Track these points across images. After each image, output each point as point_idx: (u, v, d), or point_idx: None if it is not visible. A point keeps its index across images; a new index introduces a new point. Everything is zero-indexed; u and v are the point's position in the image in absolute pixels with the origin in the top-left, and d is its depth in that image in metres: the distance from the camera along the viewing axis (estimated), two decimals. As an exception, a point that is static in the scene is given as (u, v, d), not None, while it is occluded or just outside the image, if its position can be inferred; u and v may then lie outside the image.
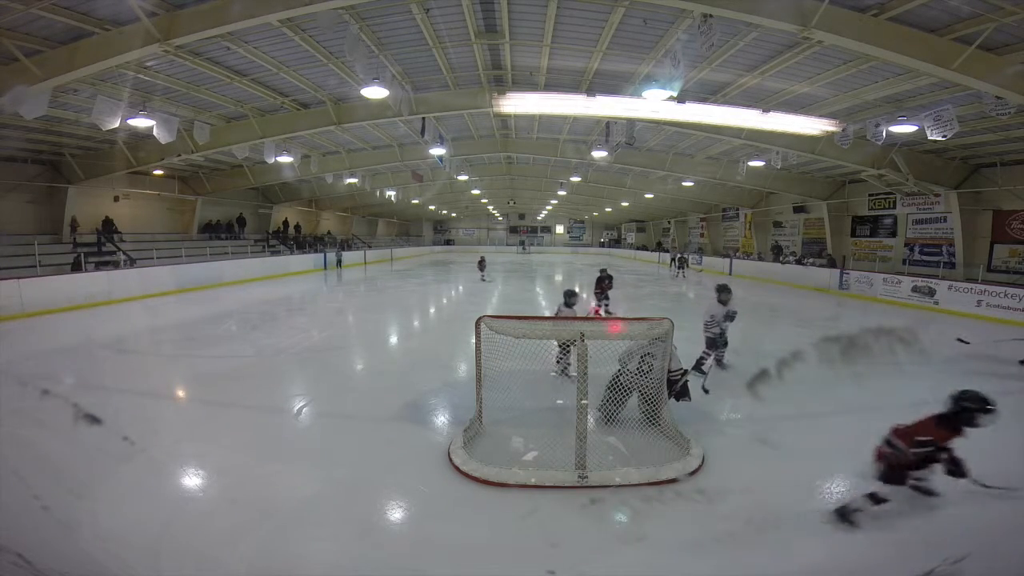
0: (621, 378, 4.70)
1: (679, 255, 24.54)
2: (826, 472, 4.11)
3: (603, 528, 3.33)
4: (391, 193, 24.36)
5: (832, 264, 18.63)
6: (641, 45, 9.06)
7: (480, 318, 4.45)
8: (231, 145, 13.28)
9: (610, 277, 12.42)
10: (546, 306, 13.48)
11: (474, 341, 4.49)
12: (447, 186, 26.13)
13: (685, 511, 3.49)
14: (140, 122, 10.16)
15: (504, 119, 15.08)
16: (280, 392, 6.11)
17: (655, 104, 9.24)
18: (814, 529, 3.29)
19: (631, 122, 11.59)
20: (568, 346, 5.91)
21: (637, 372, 4.57)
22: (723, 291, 6.55)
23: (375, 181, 23.04)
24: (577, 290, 7.22)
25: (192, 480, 3.91)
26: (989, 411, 2.99)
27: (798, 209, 21.89)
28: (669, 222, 36.11)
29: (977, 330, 10.59)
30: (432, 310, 13.59)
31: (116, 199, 17.52)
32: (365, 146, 17.78)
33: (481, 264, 20.89)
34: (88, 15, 7.39)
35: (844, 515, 3.30)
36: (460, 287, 18.69)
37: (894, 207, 17.27)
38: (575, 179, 22.08)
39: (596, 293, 11.76)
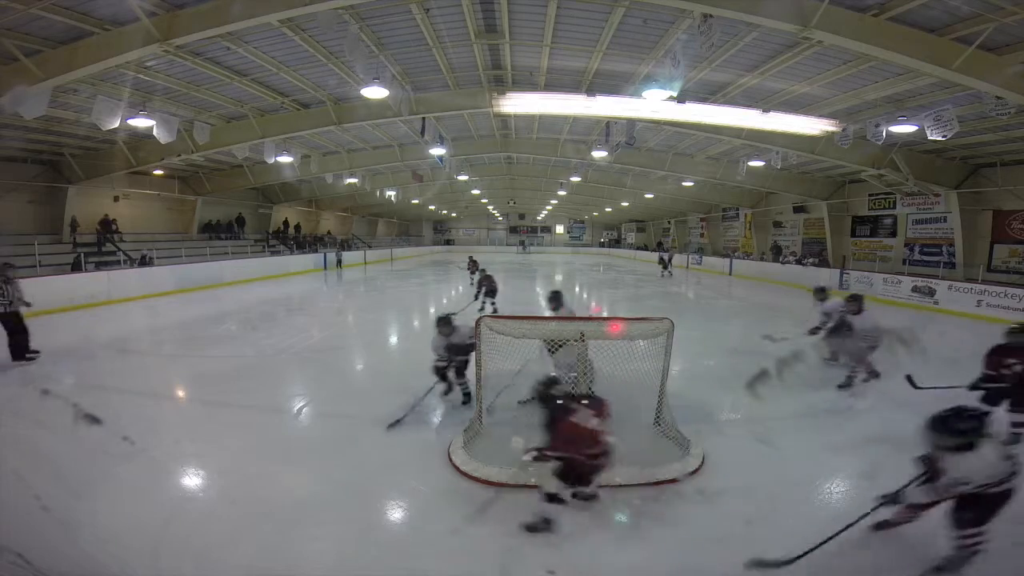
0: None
1: (663, 254, 25.43)
2: (826, 472, 4.12)
3: (603, 528, 3.33)
4: (391, 193, 24.34)
5: (824, 264, 18.63)
6: (641, 45, 9.06)
7: (480, 318, 4.46)
8: (231, 145, 13.27)
9: (489, 277, 11.77)
10: (546, 306, 13.46)
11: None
12: (447, 186, 26.12)
13: (685, 511, 3.49)
14: (140, 122, 10.16)
15: (504, 119, 15.08)
16: (280, 392, 6.11)
17: (655, 104, 9.25)
18: (814, 529, 3.29)
19: (631, 122, 11.58)
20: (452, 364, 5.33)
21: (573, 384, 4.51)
22: (554, 299, 6.25)
23: (375, 181, 23.03)
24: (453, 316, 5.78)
25: (192, 480, 3.91)
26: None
27: (798, 209, 21.88)
28: (669, 222, 36.11)
29: (977, 330, 10.60)
30: (432, 310, 13.56)
31: (116, 199, 17.53)
32: (365, 146, 17.78)
33: (472, 266, 16.21)
34: (88, 15, 7.39)
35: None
36: (460, 287, 18.69)
37: (894, 207, 17.27)
38: (575, 179, 22.08)
39: (477, 293, 11.63)
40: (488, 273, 11.93)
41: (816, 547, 2.86)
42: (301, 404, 5.61)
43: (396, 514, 3.51)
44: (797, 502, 3.65)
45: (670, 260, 25.00)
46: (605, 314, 13.10)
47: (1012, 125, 10.47)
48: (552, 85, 11.14)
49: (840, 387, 6.06)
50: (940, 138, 9.15)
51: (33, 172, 14.66)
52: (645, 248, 38.79)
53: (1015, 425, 4.47)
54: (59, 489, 3.55)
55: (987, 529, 2.81)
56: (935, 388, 4.74)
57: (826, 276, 17.36)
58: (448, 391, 5.52)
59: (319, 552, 3.02)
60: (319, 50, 9.21)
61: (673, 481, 3.78)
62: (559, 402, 3.24)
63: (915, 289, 13.80)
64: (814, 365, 6.63)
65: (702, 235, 31.13)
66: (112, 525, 3.17)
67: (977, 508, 2.80)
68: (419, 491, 3.71)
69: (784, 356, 6.80)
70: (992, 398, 4.52)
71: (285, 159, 14.51)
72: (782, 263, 20.53)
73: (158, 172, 17.58)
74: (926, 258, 16.23)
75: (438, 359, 5.38)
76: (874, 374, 6.03)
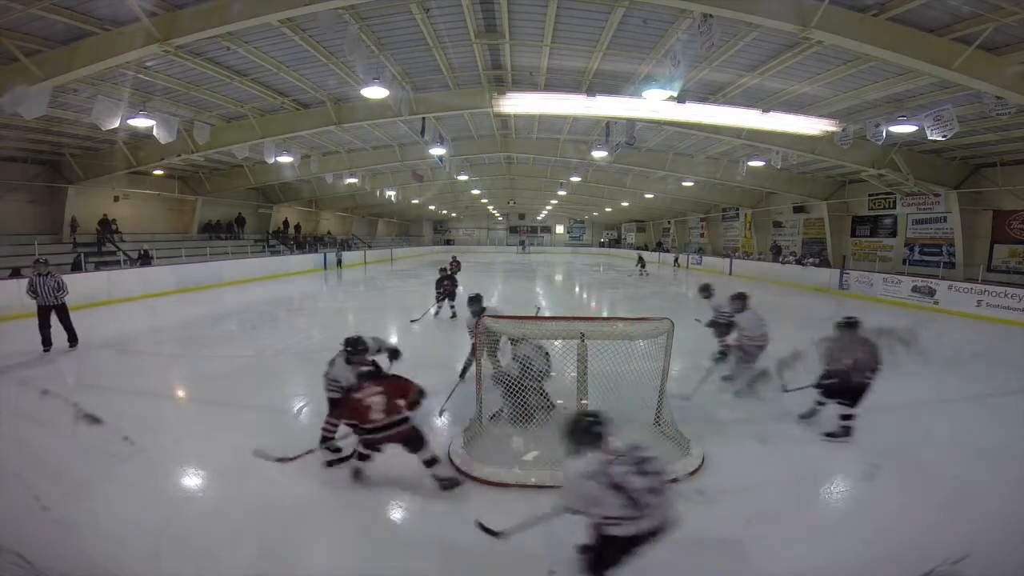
0: (511, 384, 4.65)
1: (641, 253, 26.98)
2: (826, 472, 4.11)
3: (603, 528, 3.33)
4: (391, 193, 24.34)
5: (824, 264, 18.63)
6: (641, 45, 9.06)
7: (480, 318, 4.46)
8: (231, 145, 13.27)
9: (451, 278, 10.84)
10: (547, 306, 13.46)
11: (474, 341, 4.50)
12: (447, 186, 26.11)
13: (685, 511, 3.48)
14: (140, 122, 10.14)
15: (504, 119, 15.07)
16: (280, 392, 6.11)
17: (655, 104, 9.24)
18: (814, 529, 3.29)
19: (631, 122, 11.58)
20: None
21: (521, 376, 4.61)
22: (474, 302, 6.10)
23: (375, 181, 23.03)
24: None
25: (192, 480, 3.91)
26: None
27: (798, 209, 21.88)
28: (669, 222, 36.10)
29: (978, 330, 10.61)
30: (432, 310, 13.57)
31: (116, 199, 17.52)
32: (365, 146, 17.78)
33: (455, 266, 13.71)
34: (88, 15, 7.39)
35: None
36: (460, 287, 18.66)
37: (894, 207, 17.26)
38: (575, 179, 22.09)
39: (437, 295, 10.77)
40: (449, 273, 11.06)
41: (524, 525, 2.69)
42: (301, 404, 5.60)
43: (396, 514, 3.51)
44: (797, 502, 3.65)
45: (676, 261, 26.98)
46: (605, 314, 13.09)
47: (1012, 125, 10.46)
48: (552, 85, 11.14)
49: (737, 394, 5.86)
50: (940, 138, 9.14)
51: (33, 172, 14.66)
52: (645, 248, 38.84)
53: (843, 417, 4.65)
54: (59, 489, 3.55)
55: None
56: (801, 388, 5.05)
57: (826, 276, 17.39)
58: (337, 449, 4.13)
59: (319, 552, 3.03)
60: (319, 50, 9.20)
61: (673, 481, 3.78)
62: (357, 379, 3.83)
63: (915, 289, 13.80)
64: (815, 366, 6.62)
65: (702, 235, 31.13)
66: (112, 525, 3.17)
67: (595, 548, 2.33)
68: (419, 490, 3.71)
69: (784, 357, 6.79)
70: (830, 392, 4.73)
71: (285, 159, 14.51)
72: (782, 263, 20.53)
73: (158, 172, 17.58)
74: (926, 258, 16.23)
75: (334, 391, 4.10)
76: (761, 374, 5.84)
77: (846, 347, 4.63)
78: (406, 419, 3.61)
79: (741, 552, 3.07)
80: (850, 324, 4.72)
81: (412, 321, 10.28)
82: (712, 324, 6.87)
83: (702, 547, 3.10)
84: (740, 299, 6.12)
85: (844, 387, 4.57)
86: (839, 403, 4.64)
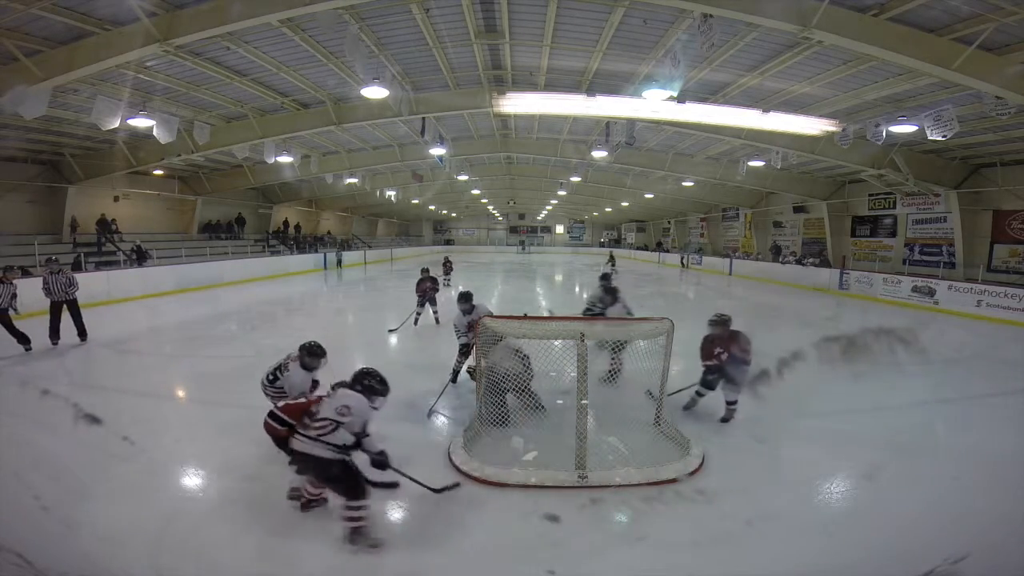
0: (492, 381, 4.62)
1: (611, 251, 28.53)
2: (826, 472, 4.11)
3: (603, 528, 3.33)
4: (391, 193, 24.35)
5: (825, 264, 18.65)
6: (641, 45, 9.06)
7: (480, 318, 4.46)
8: (231, 145, 13.28)
9: (432, 279, 10.10)
10: (546, 306, 13.47)
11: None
12: (447, 186, 26.11)
13: (685, 511, 3.49)
14: (140, 122, 10.15)
15: (504, 119, 15.08)
16: (280, 392, 6.10)
17: (655, 104, 9.25)
18: (814, 529, 3.29)
19: (631, 122, 11.58)
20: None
21: (505, 376, 4.59)
22: (463, 300, 6.13)
23: (375, 181, 23.04)
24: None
25: (192, 480, 3.91)
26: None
27: (798, 209, 21.88)
28: (669, 222, 36.09)
29: (977, 330, 10.62)
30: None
31: (116, 199, 17.54)
32: (365, 146, 17.79)
33: (447, 267, 14.81)
34: (88, 15, 7.39)
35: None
36: (459, 287, 18.69)
37: (894, 207, 17.26)
38: (575, 179, 22.07)
39: (418, 296, 9.91)
40: (432, 275, 10.23)
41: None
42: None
43: (395, 514, 3.51)
44: (797, 502, 3.65)
45: (682, 262, 27.67)
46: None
47: (1012, 125, 10.46)
48: (552, 85, 11.14)
49: (604, 380, 5.64)
50: (940, 138, 9.14)
51: (33, 172, 14.67)
52: (645, 248, 38.84)
53: (728, 403, 4.98)
54: (59, 489, 3.56)
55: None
56: (673, 393, 5.14)
57: (826, 276, 17.39)
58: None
59: (318, 552, 3.02)
60: (319, 50, 9.21)
61: (673, 481, 3.78)
62: None
63: (915, 289, 13.81)
64: (815, 366, 6.63)
65: (702, 235, 31.12)
66: (112, 525, 3.17)
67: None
68: (419, 491, 3.70)
69: (784, 356, 6.80)
70: (711, 384, 5.04)
71: (285, 159, 14.51)
72: (782, 263, 20.53)
73: (158, 172, 17.59)
74: (926, 258, 16.22)
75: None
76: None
77: (717, 342, 4.91)
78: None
79: (741, 552, 3.07)
80: (721, 321, 4.99)
81: (390, 331, 9.53)
82: (586, 312, 7.07)
83: (702, 547, 3.10)
84: (612, 293, 6.68)
85: (722, 378, 4.94)
86: (723, 390, 4.99)
